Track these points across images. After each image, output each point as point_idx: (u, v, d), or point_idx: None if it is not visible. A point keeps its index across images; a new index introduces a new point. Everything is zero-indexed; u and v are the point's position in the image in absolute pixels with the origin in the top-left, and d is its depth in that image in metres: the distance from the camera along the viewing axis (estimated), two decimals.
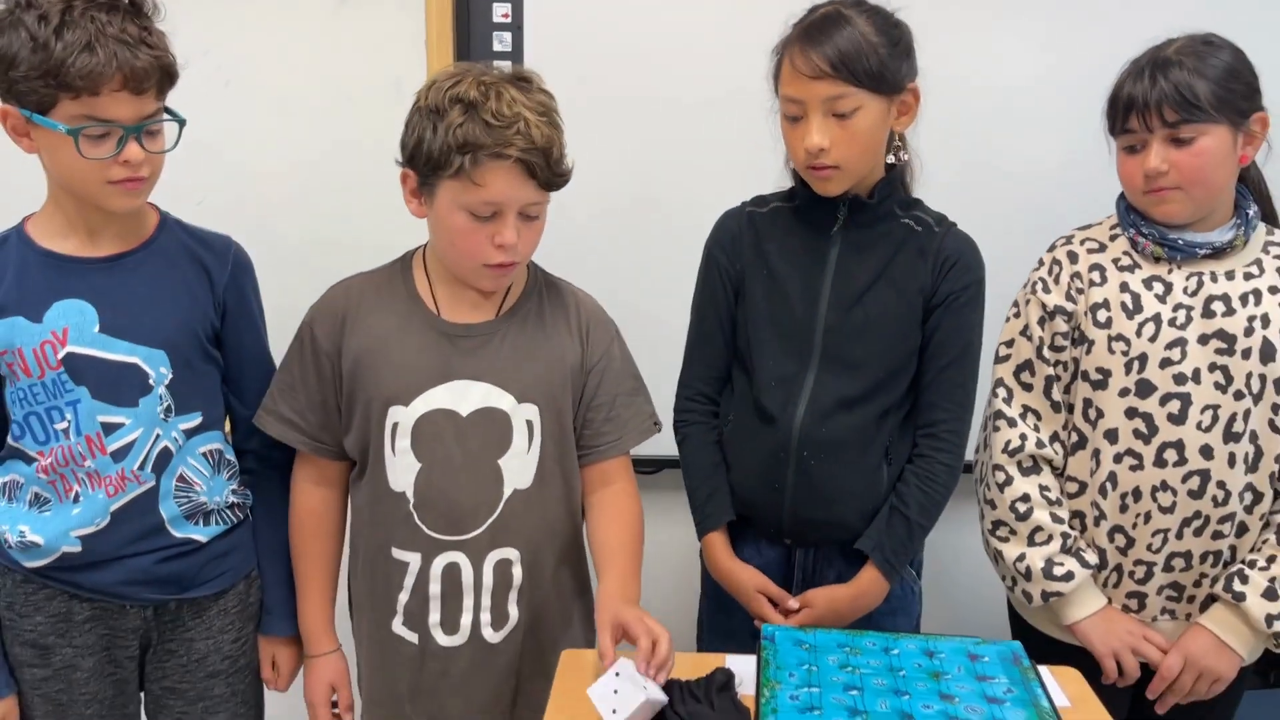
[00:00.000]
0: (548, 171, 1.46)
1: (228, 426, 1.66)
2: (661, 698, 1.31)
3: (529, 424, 1.58)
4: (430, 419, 1.55)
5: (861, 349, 1.63)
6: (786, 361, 1.65)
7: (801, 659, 1.39)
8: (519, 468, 1.58)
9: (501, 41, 2.17)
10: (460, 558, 1.56)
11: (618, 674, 1.32)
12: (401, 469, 1.56)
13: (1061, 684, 1.49)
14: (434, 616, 1.58)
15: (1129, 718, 1.77)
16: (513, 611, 1.59)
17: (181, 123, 1.46)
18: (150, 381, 1.49)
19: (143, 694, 1.64)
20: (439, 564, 1.56)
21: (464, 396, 1.55)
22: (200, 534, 1.57)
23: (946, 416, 1.65)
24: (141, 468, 1.50)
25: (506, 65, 2.09)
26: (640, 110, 2.14)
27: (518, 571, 1.59)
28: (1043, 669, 1.51)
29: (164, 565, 1.54)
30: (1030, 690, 1.31)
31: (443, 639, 1.58)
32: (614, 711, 1.28)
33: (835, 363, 1.63)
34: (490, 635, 1.59)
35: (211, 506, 1.58)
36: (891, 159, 1.63)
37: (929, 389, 1.66)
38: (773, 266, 1.67)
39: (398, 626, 1.59)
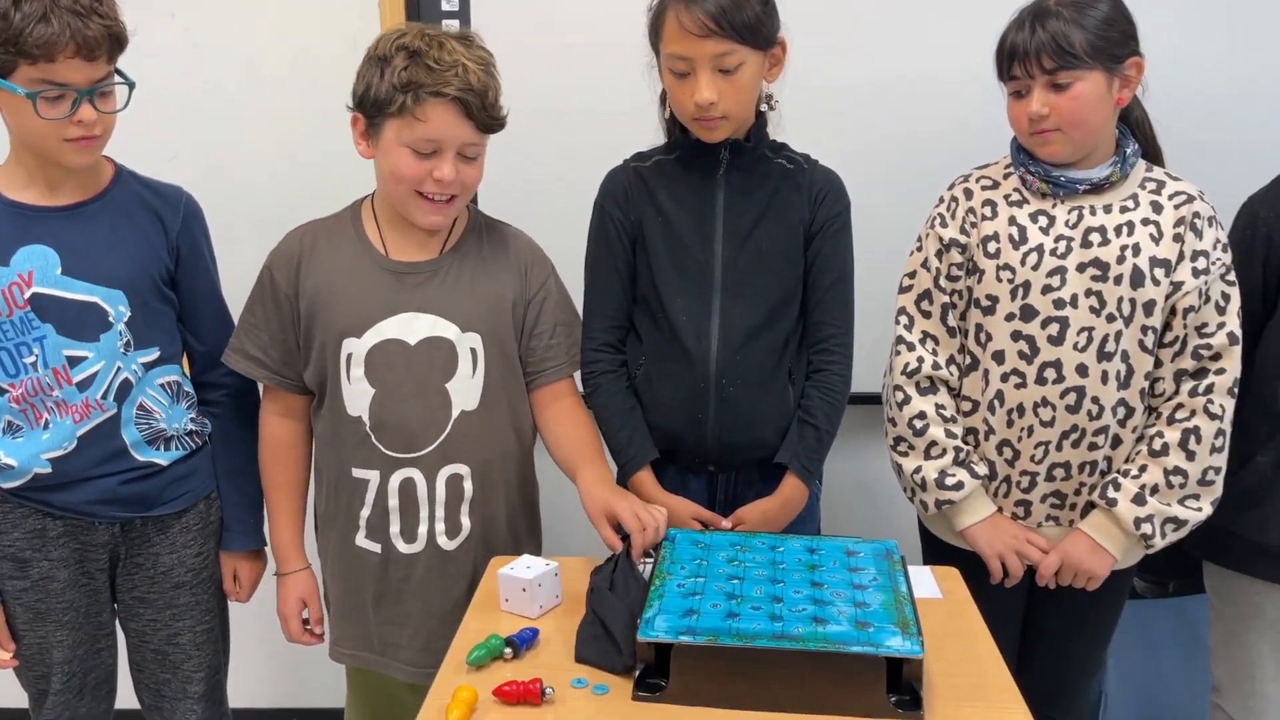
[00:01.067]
0: (483, 113, 1.62)
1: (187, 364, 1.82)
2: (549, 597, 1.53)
3: (473, 351, 1.73)
4: (381, 348, 1.70)
5: (757, 280, 1.77)
6: (693, 300, 1.78)
7: (695, 555, 1.54)
8: (465, 391, 1.73)
9: (450, 1, 2.29)
10: (415, 473, 1.72)
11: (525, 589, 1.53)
12: (356, 395, 1.71)
13: (941, 581, 1.65)
14: (394, 527, 1.74)
15: (1025, 618, 1.94)
16: (465, 522, 1.75)
17: (131, 85, 1.60)
18: (110, 319, 1.64)
19: (115, 604, 1.81)
20: (395, 479, 1.72)
21: (411, 327, 1.71)
22: (161, 458, 1.73)
23: (835, 331, 1.81)
24: (104, 397, 1.66)
25: (454, 24, 2.25)
26: (587, 68, 2.24)
27: (469, 485, 1.75)
28: (923, 567, 1.68)
29: (127, 486, 1.70)
30: (893, 579, 1.46)
31: (403, 547, 1.74)
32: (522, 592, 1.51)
33: (736, 295, 1.77)
34: (445, 543, 1.75)
35: (171, 433, 1.74)
36: (764, 107, 1.77)
37: (817, 308, 1.81)
38: (666, 212, 1.79)
39: (361, 540, 1.75)
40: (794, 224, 1.78)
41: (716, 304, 1.77)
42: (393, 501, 1.73)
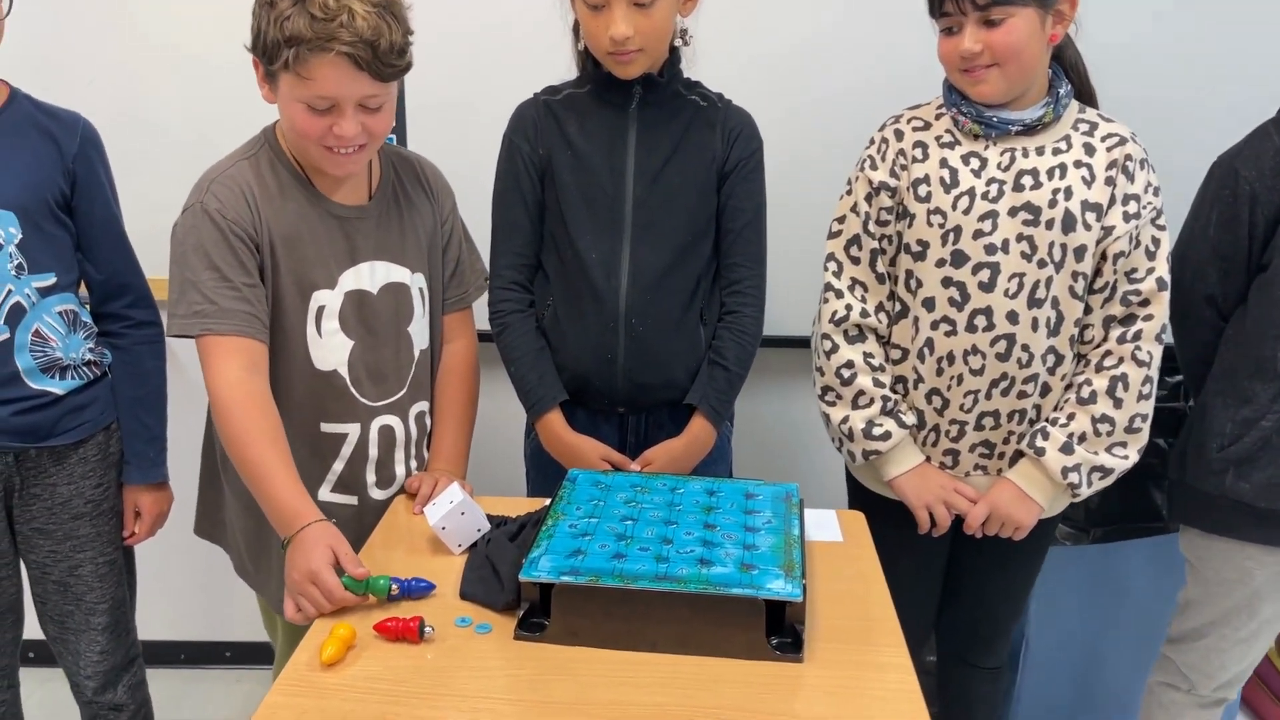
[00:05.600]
0: (377, 63, 1.45)
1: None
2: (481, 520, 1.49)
3: (421, 291, 1.70)
4: (352, 299, 1.63)
5: (669, 218, 1.72)
6: (603, 237, 1.72)
7: (593, 496, 1.49)
8: (419, 331, 1.71)
9: None
10: (393, 419, 1.69)
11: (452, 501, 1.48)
12: (331, 348, 1.62)
13: (845, 525, 1.62)
14: (370, 477, 1.69)
15: (948, 565, 1.91)
16: (426, 455, 1.75)
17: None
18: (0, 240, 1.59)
19: (15, 535, 1.76)
20: (375, 428, 1.67)
21: (372, 275, 1.64)
22: (57, 387, 1.67)
23: (748, 273, 1.77)
24: None
25: None
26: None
27: (429, 420, 1.75)
28: (829, 510, 1.64)
29: (21, 417, 1.64)
30: (787, 522, 1.41)
31: (378, 494, 1.70)
32: (443, 515, 1.48)
33: (648, 233, 1.72)
34: None
35: (67, 362, 1.69)
36: (679, 42, 1.71)
37: (730, 250, 1.76)
38: (576, 147, 1.73)
39: (327, 494, 1.66)
40: (707, 162, 1.73)
41: (627, 242, 1.72)
42: (373, 451, 1.67)
